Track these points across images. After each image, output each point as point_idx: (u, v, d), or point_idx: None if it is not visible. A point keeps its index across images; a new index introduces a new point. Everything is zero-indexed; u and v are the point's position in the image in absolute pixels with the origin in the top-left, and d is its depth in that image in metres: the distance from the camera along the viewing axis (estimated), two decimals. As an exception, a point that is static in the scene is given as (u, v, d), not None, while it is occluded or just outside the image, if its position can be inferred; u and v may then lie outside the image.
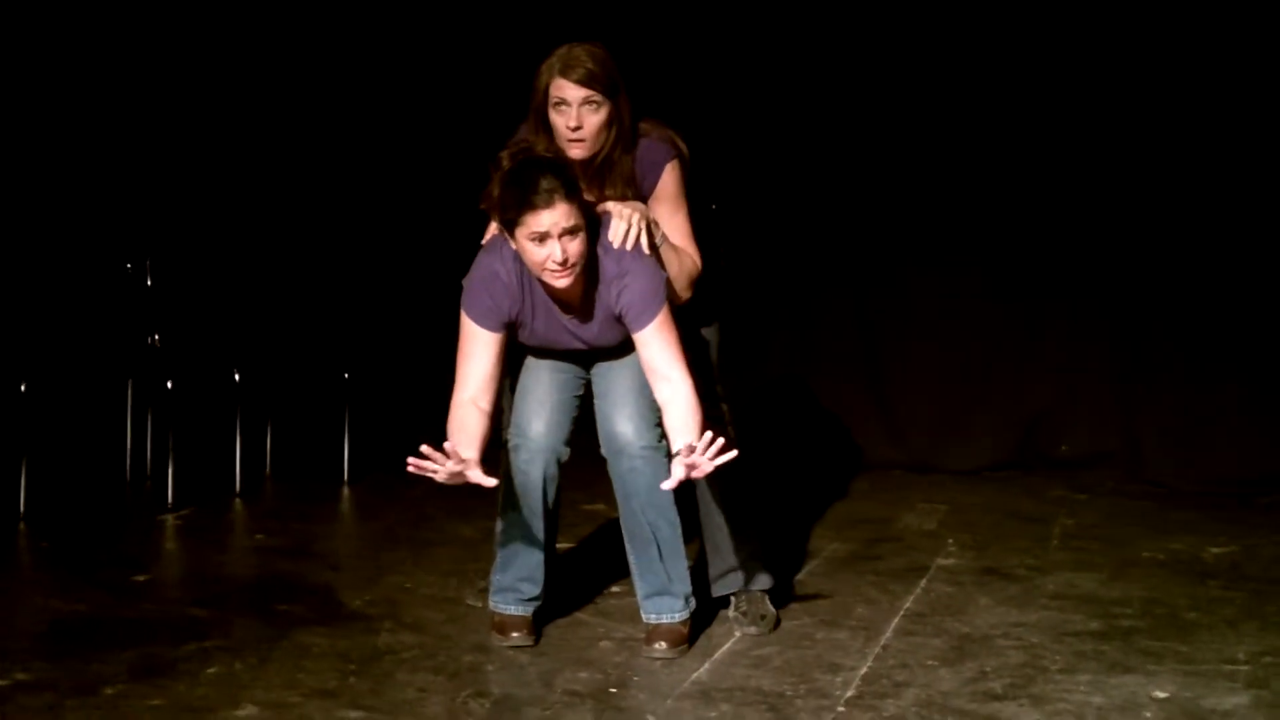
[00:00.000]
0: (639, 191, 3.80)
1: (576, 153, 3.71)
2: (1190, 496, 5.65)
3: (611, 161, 3.76)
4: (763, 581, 4.08)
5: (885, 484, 5.97)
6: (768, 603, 4.05)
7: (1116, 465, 6.01)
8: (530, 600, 3.90)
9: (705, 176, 6.08)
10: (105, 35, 6.23)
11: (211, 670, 3.63)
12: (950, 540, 5.01)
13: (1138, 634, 3.94)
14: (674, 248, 3.80)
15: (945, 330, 6.19)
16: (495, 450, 3.81)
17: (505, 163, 3.55)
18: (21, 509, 5.18)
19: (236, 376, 5.65)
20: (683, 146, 3.87)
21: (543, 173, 3.48)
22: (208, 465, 5.76)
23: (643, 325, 3.64)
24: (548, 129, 3.74)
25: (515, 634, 3.86)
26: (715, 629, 3.98)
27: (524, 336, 3.78)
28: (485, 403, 3.66)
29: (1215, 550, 4.86)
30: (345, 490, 5.85)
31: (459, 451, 3.46)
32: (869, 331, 6.31)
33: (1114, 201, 5.95)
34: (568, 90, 3.67)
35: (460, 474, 3.48)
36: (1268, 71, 5.69)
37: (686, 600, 3.84)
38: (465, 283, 3.74)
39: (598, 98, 3.68)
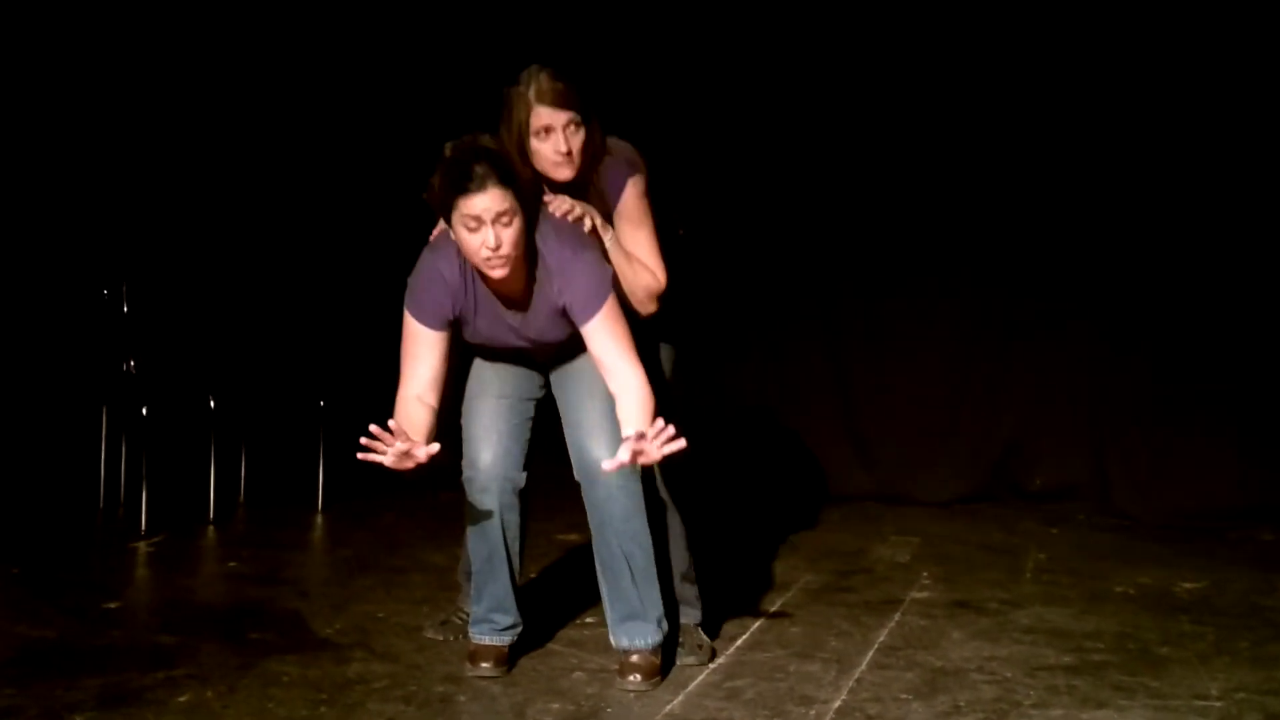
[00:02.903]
0: (605, 208, 3.80)
1: (565, 174, 3.72)
2: (1160, 530, 5.68)
3: (589, 182, 3.77)
4: (696, 616, 4.08)
5: (858, 515, 5.98)
6: (702, 633, 4.06)
7: (1087, 498, 6.04)
8: (505, 630, 3.88)
9: (678, 203, 6.17)
10: (83, 65, 6.23)
11: (181, 699, 3.61)
12: (924, 573, 5.01)
13: (1110, 668, 3.94)
14: (628, 256, 3.79)
15: (917, 362, 6.22)
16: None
17: (447, 152, 3.55)
18: (-8, 534, 5.17)
19: (211, 403, 5.63)
20: (641, 161, 3.86)
21: (477, 159, 3.48)
22: (181, 492, 5.74)
23: (588, 318, 3.62)
24: (523, 157, 3.71)
25: (484, 664, 3.84)
26: (688, 661, 3.97)
27: (468, 335, 3.75)
28: (431, 399, 3.64)
29: (1186, 584, 4.88)
30: (319, 518, 5.84)
31: (405, 431, 3.44)
32: (841, 363, 6.33)
33: (1083, 237, 5.99)
34: (550, 116, 3.67)
35: (408, 453, 3.44)
36: (1234, 105, 5.74)
37: (659, 624, 3.82)
38: (409, 282, 3.72)
39: (579, 118, 3.70)
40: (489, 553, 3.84)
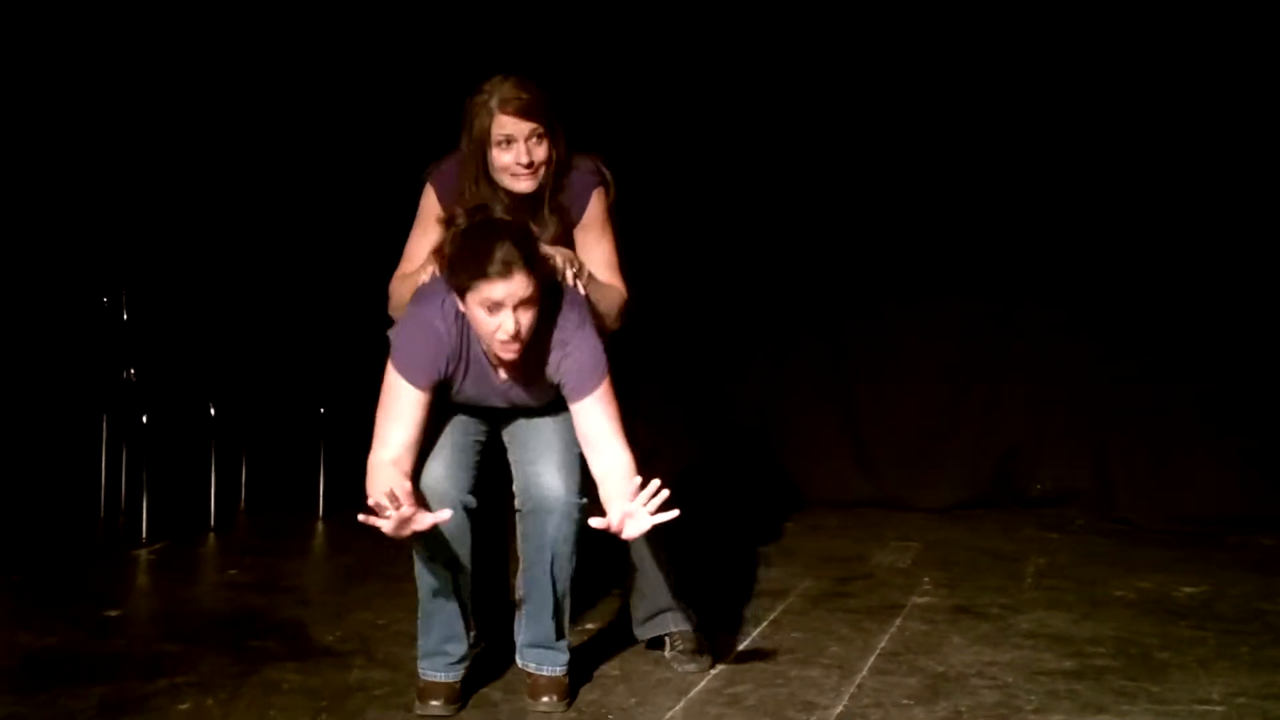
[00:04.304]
0: (567, 219, 3.74)
1: (525, 185, 3.65)
2: (1161, 535, 5.67)
3: (547, 193, 3.69)
4: (693, 620, 4.02)
5: (858, 521, 5.98)
6: (703, 638, 4.01)
7: (1087, 503, 6.04)
8: (458, 663, 3.68)
9: (682, 210, 6.18)
10: (84, 72, 6.24)
11: (183, 706, 3.62)
12: (925, 578, 5.01)
13: (1111, 673, 3.95)
14: (599, 283, 3.72)
15: (917, 368, 6.22)
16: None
17: (461, 221, 3.43)
18: (-7, 542, 5.17)
19: (212, 410, 5.64)
20: (608, 174, 3.81)
21: (501, 240, 3.34)
22: (182, 499, 5.74)
23: (583, 396, 3.52)
24: (483, 167, 3.66)
25: (434, 702, 3.62)
26: (690, 668, 3.97)
27: (451, 394, 3.60)
28: (407, 464, 3.49)
29: (1186, 589, 4.88)
30: (319, 525, 5.84)
31: (401, 497, 3.28)
32: (841, 369, 6.33)
33: (1084, 242, 5.99)
34: (513, 126, 3.61)
35: (408, 520, 3.30)
36: (1234, 109, 5.75)
37: (566, 649, 3.74)
38: (395, 334, 3.56)
39: (542, 129, 3.63)
40: (437, 582, 3.64)
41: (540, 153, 3.64)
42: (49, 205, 6.17)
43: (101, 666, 3.92)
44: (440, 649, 3.67)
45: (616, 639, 4.14)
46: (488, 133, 3.63)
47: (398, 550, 5.11)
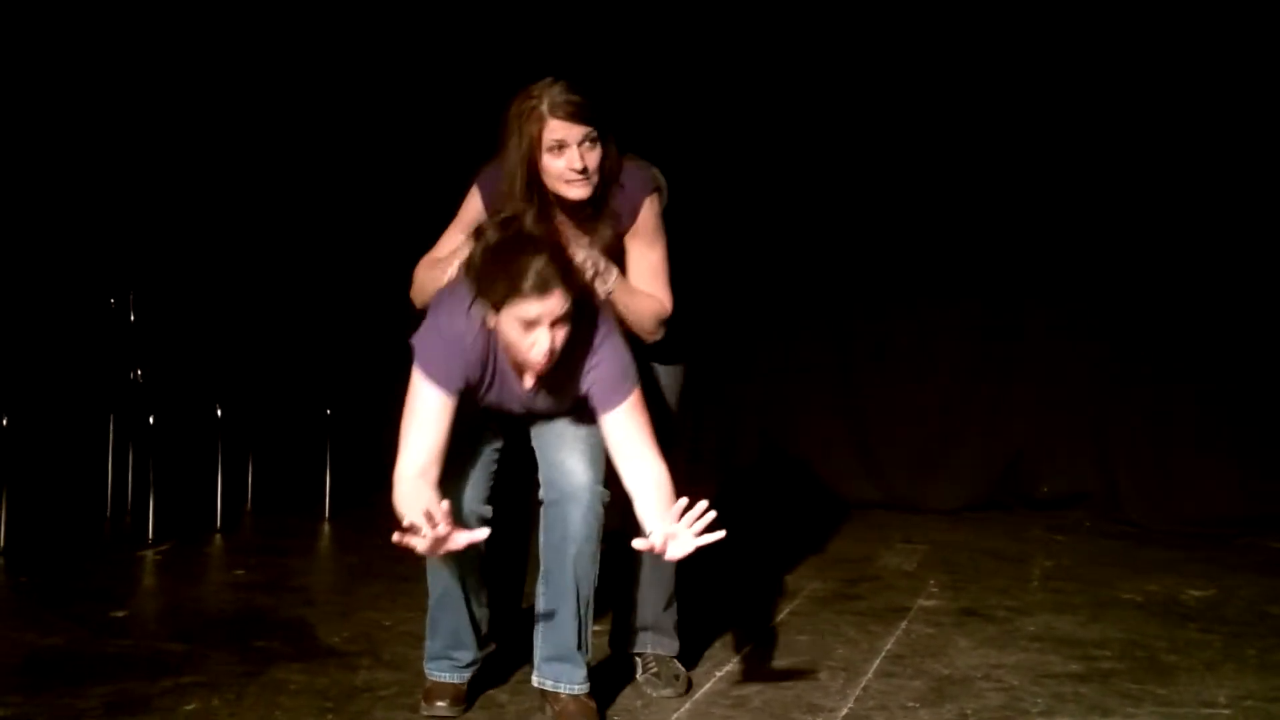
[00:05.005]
0: (618, 226, 3.63)
1: (579, 192, 3.51)
2: (1167, 537, 5.67)
3: (601, 199, 3.58)
4: (673, 647, 3.89)
5: (865, 523, 5.98)
6: (679, 664, 3.88)
7: (1093, 505, 6.04)
8: (465, 667, 3.63)
9: (688, 214, 6.17)
10: (90, 74, 6.24)
11: (189, 706, 3.62)
12: (931, 581, 5.01)
13: (1117, 676, 3.94)
14: (636, 291, 3.61)
15: (924, 371, 6.23)
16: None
17: (491, 234, 3.31)
18: (1, 542, 5.17)
19: (218, 411, 5.64)
20: (661, 180, 3.70)
21: (536, 256, 3.23)
22: (188, 500, 5.75)
23: (612, 407, 3.40)
24: (533, 173, 3.52)
25: (440, 703, 3.57)
26: (695, 669, 3.97)
27: (475, 400, 3.48)
28: (434, 474, 3.37)
29: (1193, 592, 4.87)
30: (325, 526, 5.85)
31: (438, 516, 3.13)
32: (849, 371, 6.34)
33: (1090, 245, 6.00)
34: (566, 131, 3.47)
35: (444, 539, 3.17)
36: (1238, 112, 5.74)
37: (588, 669, 3.56)
38: (420, 341, 3.43)
39: (595, 134, 3.50)
40: (444, 587, 3.57)
41: (593, 158, 3.50)
42: (56, 207, 6.17)
43: (107, 666, 3.92)
44: (445, 654, 3.63)
45: (618, 635, 4.12)
46: (538, 138, 3.48)
47: (404, 551, 5.13)
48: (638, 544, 3.28)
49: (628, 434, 3.41)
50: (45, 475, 5.86)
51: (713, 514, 3.18)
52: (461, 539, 3.20)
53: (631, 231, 3.65)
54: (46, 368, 5.80)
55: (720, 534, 3.19)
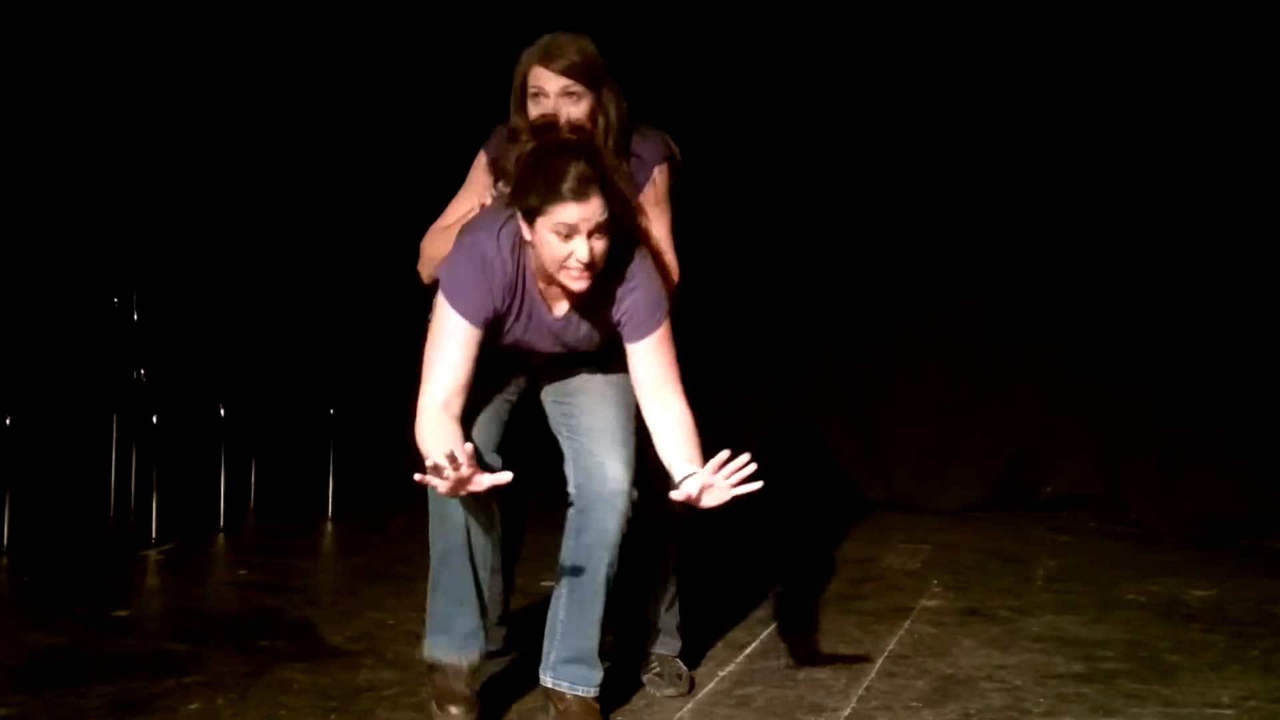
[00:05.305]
0: (632, 193, 3.44)
1: None
2: (1171, 538, 5.67)
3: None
4: (676, 646, 3.87)
5: (868, 523, 5.98)
6: (681, 663, 3.86)
7: (1097, 506, 6.04)
8: (470, 638, 3.45)
9: (694, 216, 6.17)
10: (93, 73, 6.24)
11: (192, 706, 3.62)
12: (934, 581, 5.01)
13: (1120, 676, 3.94)
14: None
15: (928, 371, 6.22)
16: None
17: (527, 139, 3.19)
18: (4, 542, 5.17)
19: (221, 411, 5.64)
20: (675, 149, 3.61)
21: (576, 159, 3.10)
22: (191, 499, 5.75)
23: (643, 336, 3.28)
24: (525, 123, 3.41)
25: (454, 709, 3.44)
26: (698, 669, 3.97)
27: (501, 336, 3.33)
28: (457, 408, 3.21)
29: (1197, 592, 4.87)
30: (328, 525, 5.85)
31: (461, 456, 2.96)
32: (853, 372, 6.33)
33: (1093, 245, 5.99)
34: (546, 80, 3.41)
35: (466, 481, 3.00)
36: (1240, 111, 5.74)
37: (600, 666, 3.47)
38: (446, 269, 3.29)
39: (577, 88, 3.42)
40: (445, 547, 3.37)
41: (575, 111, 3.40)
42: (59, 206, 6.18)
43: (111, 666, 3.92)
44: (448, 624, 3.42)
45: (621, 637, 4.12)
46: (524, 84, 3.44)
47: (407, 551, 5.13)
48: (675, 496, 3.15)
49: (654, 367, 3.30)
50: (48, 475, 5.86)
51: (753, 466, 3.07)
52: (484, 480, 3.03)
53: (640, 198, 3.54)
54: (50, 367, 5.81)
55: (758, 484, 3.08)
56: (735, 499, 3.13)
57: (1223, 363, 5.83)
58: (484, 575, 3.44)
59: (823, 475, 6.29)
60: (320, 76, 6.53)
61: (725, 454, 3.09)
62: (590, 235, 3.11)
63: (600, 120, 3.46)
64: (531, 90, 3.44)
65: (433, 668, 3.49)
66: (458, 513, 3.33)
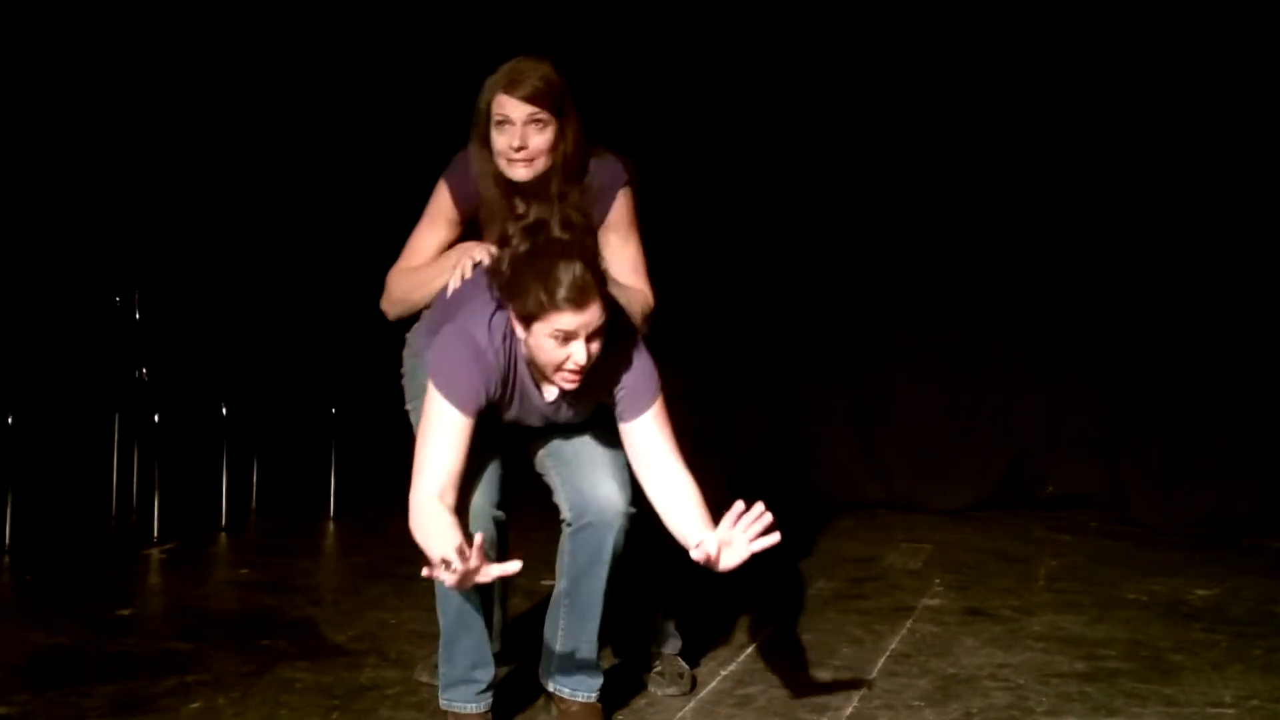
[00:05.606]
0: (589, 220, 3.41)
1: (520, 173, 3.42)
2: (1173, 537, 5.67)
3: (553, 187, 3.41)
4: (676, 645, 3.88)
5: (870, 523, 5.98)
6: (682, 661, 3.87)
7: (1099, 506, 6.04)
8: (486, 690, 3.44)
9: (694, 216, 6.18)
10: (94, 72, 6.24)
11: (194, 705, 3.62)
12: (936, 580, 5.01)
13: (1123, 676, 3.94)
14: (623, 287, 3.47)
15: (929, 371, 6.22)
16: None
17: (519, 241, 3.12)
18: (6, 541, 5.18)
19: (223, 410, 5.65)
20: (633, 174, 3.59)
21: (572, 263, 3.05)
22: (193, 499, 5.76)
23: (640, 412, 3.27)
24: (488, 148, 3.47)
25: None
26: (699, 668, 3.97)
27: (485, 421, 3.30)
28: (451, 498, 3.19)
29: (1199, 592, 4.87)
30: (330, 525, 5.85)
31: (468, 551, 2.89)
32: (854, 371, 6.33)
33: (1095, 245, 5.99)
34: (511, 107, 3.40)
35: (475, 572, 2.91)
36: (1238, 116, 5.74)
37: (602, 677, 3.50)
38: (436, 357, 3.25)
39: (543, 115, 3.40)
40: (464, 604, 3.36)
41: (540, 140, 3.41)
42: (61, 205, 6.18)
43: (113, 665, 3.93)
44: (467, 676, 3.42)
45: (624, 637, 4.13)
46: (487, 112, 3.44)
47: (409, 551, 5.13)
48: (695, 557, 3.13)
49: (654, 442, 3.29)
50: (50, 474, 5.87)
51: (769, 516, 3.05)
52: (493, 571, 2.94)
53: (605, 225, 3.54)
54: (52, 366, 5.81)
55: (776, 537, 3.06)
56: (753, 555, 3.11)
57: (1224, 362, 5.83)
58: (497, 616, 3.51)
59: (824, 475, 6.29)
60: (322, 77, 6.53)
61: (740, 505, 3.08)
62: (588, 339, 3.10)
63: (560, 147, 3.45)
64: (497, 118, 3.42)
65: (450, 717, 3.46)
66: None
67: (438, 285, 3.55)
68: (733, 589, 4.73)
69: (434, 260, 3.59)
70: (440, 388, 3.19)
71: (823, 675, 3.94)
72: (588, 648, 3.45)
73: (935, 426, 6.25)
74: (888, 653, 4.15)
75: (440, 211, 3.63)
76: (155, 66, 6.37)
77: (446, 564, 2.88)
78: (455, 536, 3.04)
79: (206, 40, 6.43)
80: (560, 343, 3.09)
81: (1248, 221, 5.79)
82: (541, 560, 3.55)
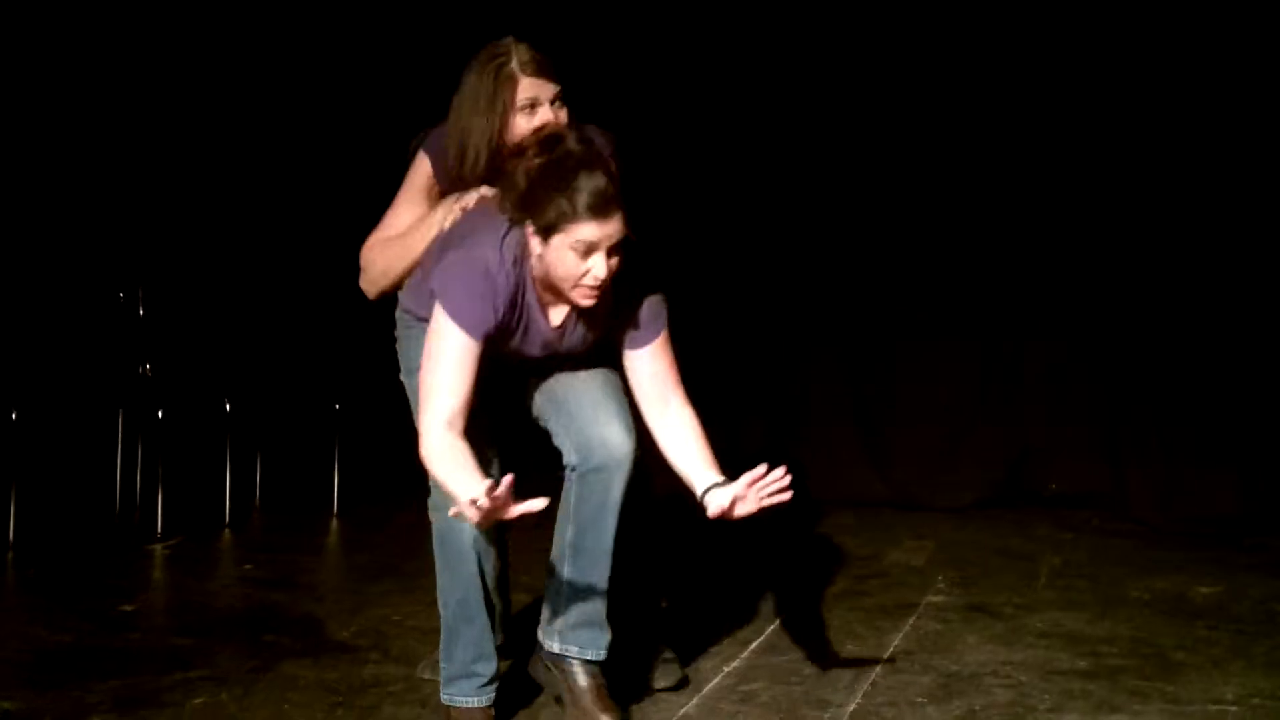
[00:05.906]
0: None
1: None
2: (1176, 535, 5.66)
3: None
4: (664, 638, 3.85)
5: (873, 520, 5.98)
6: (674, 655, 3.83)
7: (1102, 503, 6.03)
8: (489, 684, 3.37)
9: (696, 218, 6.19)
10: (98, 69, 6.24)
11: (197, 701, 3.62)
12: (939, 577, 5.01)
13: (1125, 673, 3.94)
14: None
15: (932, 369, 6.22)
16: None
17: (534, 153, 3.11)
18: (10, 537, 5.18)
19: (227, 406, 5.65)
20: (614, 146, 3.44)
21: (594, 174, 3.01)
22: (197, 495, 5.76)
23: (647, 342, 3.22)
24: (496, 138, 3.34)
25: None
26: (702, 664, 3.98)
27: (499, 347, 3.22)
28: (460, 426, 3.07)
29: (1202, 590, 4.87)
30: (334, 522, 5.86)
31: (500, 489, 2.81)
32: (857, 368, 6.33)
33: (1097, 243, 5.99)
34: (538, 88, 3.33)
35: (499, 509, 2.84)
36: (1237, 116, 5.74)
37: (610, 634, 3.40)
38: (443, 281, 3.15)
39: (561, 91, 3.36)
40: (461, 597, 3.31)
41: (563, 116, 3.34)
42: (65, 201, 6.18)
43: (116, 661, 3.93)
44: (469, 670, 3.36)
45: (625, 635, 4.12)
46: (511, 100, 3.32)
47: (413, 547, 5.14)
48: (710, 513, 3.09)
49: (659, 372, 3.24)
50: (54, 470, 5.86)
51: (788, 478, 3.02)
52: (517, 509, 2.86)
53: None
54: (55, 362, 5.81)
55: (790, 494, 3.04)
56: (765, 509, 3.10)
57: (1227, 361, 5.83)
58: (499, 607, 3.45)
59: (828, 471, 6.28)
60: (324, 75, 6.53)
61: (762, 468, 3.06)
62: (609, 253, 3.04)
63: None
64: (524, 102, 3.33)
65: (451, 711, 3.41)
66: (469, 562, 3.29)
67: (423, 249, 3.44)
68: (736, 585, 4.75)
69: (414, 227, 3.48)
70: (449, 311, 3.11)
71: (826, 672, 3.94)
72: (597, 600, 3.34)
73: (938, 424, 6.24)
74: (890, 649, 4.15)
75: (423, 185, 3.53)
76: (159, 63, 6.37)
77: (474, 503, 2.81)
78: (478, 473, 2.97)
79: (211, 37, 6.43)
80: (581, 255, 3.03)
81: (1250, 222, 5.78)
82: (542, 561, 3.55)
